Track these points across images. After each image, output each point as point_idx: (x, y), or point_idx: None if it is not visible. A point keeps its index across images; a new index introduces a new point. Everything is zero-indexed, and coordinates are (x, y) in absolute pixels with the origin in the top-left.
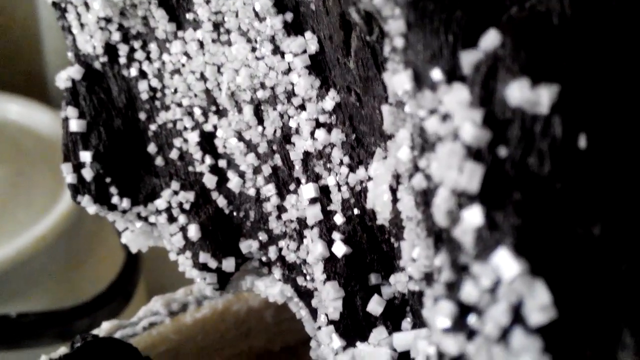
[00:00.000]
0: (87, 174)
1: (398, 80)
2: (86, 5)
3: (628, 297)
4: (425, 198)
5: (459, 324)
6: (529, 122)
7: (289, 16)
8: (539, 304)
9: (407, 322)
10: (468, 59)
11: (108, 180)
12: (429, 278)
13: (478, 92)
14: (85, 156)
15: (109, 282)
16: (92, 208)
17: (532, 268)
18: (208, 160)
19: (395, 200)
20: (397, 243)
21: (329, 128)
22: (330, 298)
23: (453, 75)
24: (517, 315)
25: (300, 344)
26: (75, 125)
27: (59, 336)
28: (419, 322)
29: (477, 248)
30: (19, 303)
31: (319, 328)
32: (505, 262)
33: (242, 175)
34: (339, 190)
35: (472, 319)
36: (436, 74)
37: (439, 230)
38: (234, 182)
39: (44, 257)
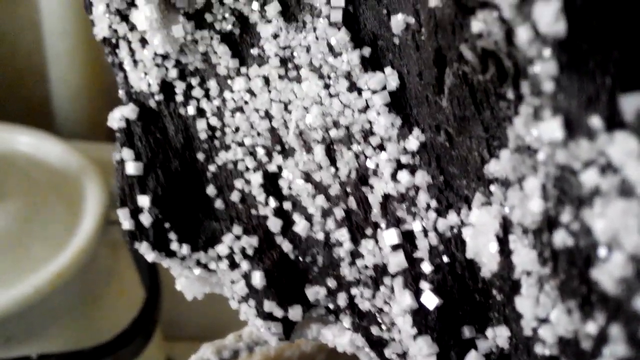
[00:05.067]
0: (146, 219)
1: (547, 127)
2: (142, 41)
3: None
4: (569, 257)
5: None
6: None
7: (366, 51)
8: None
9: None
10: (630, 104)
11: (167, 225)
12: (567, 345)
13: None
14: (144, 201)
15: (130, 320)
16: (150, 255)
17: None
18: (272, 202)
19: (503, 250)
20: (500, 296)
21: (412, 169)
22: (423, 354)
23: (612, 122)
24: None
25: None
26: (132, 168)
27: None
28: None
29: None
30: (38, 343)
31: None
32: None
33: (309, 218)
34: (426, 236)
35: None
36: (595, 121)
37: (587, 293)
38: (301, 226)
39: (62, 294)
